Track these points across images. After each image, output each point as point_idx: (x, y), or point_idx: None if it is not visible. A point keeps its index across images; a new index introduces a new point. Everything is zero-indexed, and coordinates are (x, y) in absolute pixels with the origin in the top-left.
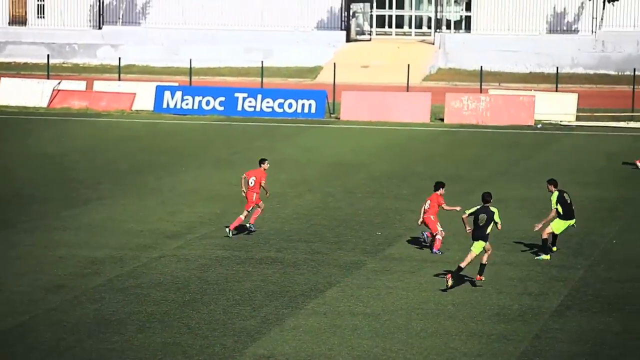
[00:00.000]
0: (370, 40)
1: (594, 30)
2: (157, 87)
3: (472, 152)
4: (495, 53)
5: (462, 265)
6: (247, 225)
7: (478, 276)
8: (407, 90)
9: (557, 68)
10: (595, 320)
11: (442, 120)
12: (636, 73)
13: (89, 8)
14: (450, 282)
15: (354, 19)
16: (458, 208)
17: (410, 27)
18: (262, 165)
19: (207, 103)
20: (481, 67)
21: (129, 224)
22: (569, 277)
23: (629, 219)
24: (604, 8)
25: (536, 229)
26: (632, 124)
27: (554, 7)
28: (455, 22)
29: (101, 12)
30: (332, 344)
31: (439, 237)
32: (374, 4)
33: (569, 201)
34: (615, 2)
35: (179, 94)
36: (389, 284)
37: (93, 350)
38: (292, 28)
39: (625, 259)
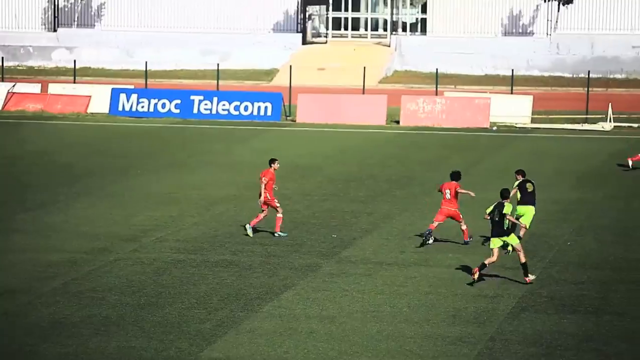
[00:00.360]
0: (326, 42)
1: (548, 32)
2: (113, 89)
3: (428, 155)
4: (451, 55)
5: (486, 262)
6: (275, 234)
7: (526, 278)
8: (363, 93)
9: (513, 70)
10: (550, 322)
11: (398, 122)
12: (590, 75)
13: (43, 10)
14: (476, 276)
15: (310, 22)
16: (472, 194)
17: (366, 29)
18: (272, 165)
19: (163, 106)
20: (437, 69)
21: (84, 227)
22: (523, 279)
23: (583, 220)
24: (558, 10)
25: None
26: (587, 126)
27: (510, 10)
28: (411, 24)
29: (56, 15)
30: (287, 347)
31: (464, 227)
32: (330, 7)
33: (529, 190)
34: (570, 5)
35: (134, 96)
36: (344, 287)
37: (47, 354)
38: (249, 31)
39: (580, 261)
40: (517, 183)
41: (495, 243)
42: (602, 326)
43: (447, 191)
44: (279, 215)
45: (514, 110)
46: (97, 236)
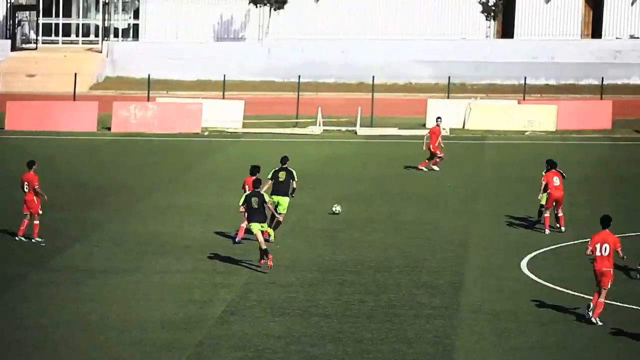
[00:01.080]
0: (36, 48)
1: (260, 37)
2: None
3: (140, 161)
4: (164, 61)
5: (262, 247)
6: (32, 239)
7: (262, 261)
8: (74, 100)
9: (224, 76)
10: (259, 325)
11: (110, 129)
12: (301, 80)
13: None
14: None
15: (19, 28)
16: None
17: (77, 35)
18: (31, 168)
19: None
20: (149, 75)
21: None
22: (234, 283)
23: (294, 223)
24: (270, 16)
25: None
26: (297, 130)
27: (221, 15)
28: (123, 30)
29: None
30: None
31: (244, 225)
32: (40, 12)
33: (281, 179)
34: (281, 11)
35: None
36: (53, 296)
37: None
38: None
39: (289, 263)
40: (272, 171)
41: (255, 228)
42: (310, 327)
43: (246, 187)
44: (36, 222)
45: (225, 115)
46: None
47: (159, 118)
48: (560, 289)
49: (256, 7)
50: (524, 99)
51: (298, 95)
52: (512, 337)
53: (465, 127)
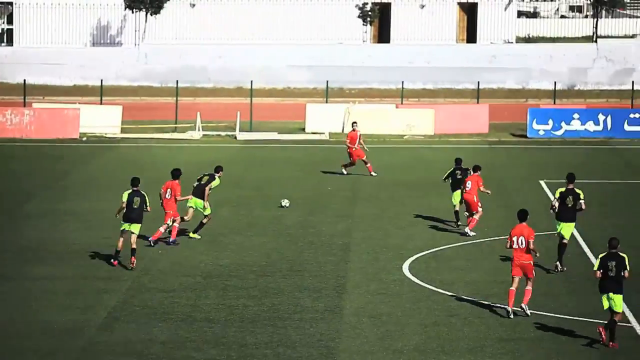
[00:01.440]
0: None
1: (137, 42)
2: None
3: (17, 167)
4: (40, 66)
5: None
6: None
7: (133, 258)
8: None
9: (102, 80)
10: (142, 331)
11: None
12: (179, 85)
13: None
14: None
15: None
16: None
17: None
18: None
19: None
20: (24, 80)
21: None
22: (116, 289)
23: (182, 228)
24: (146, 21)
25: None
26: (176, 135)
27: (98, 20)
28: None
29: None
30: None
31: (176, 224)
32: None
33: (202, 182)
34: (157, 15)
35: None
36: None
37: None
38: None
39: (171, 268)
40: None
41: (125, 226)
42: (193, 332)
43: (169, 190)
44: None
45: (103, 120)
46: None
47: (36, 124)
48: (442, 291)
49: (132, 12)
50: (401, 103)
51: (177, 100)
52: (395, 339)
53: (344, 132)
